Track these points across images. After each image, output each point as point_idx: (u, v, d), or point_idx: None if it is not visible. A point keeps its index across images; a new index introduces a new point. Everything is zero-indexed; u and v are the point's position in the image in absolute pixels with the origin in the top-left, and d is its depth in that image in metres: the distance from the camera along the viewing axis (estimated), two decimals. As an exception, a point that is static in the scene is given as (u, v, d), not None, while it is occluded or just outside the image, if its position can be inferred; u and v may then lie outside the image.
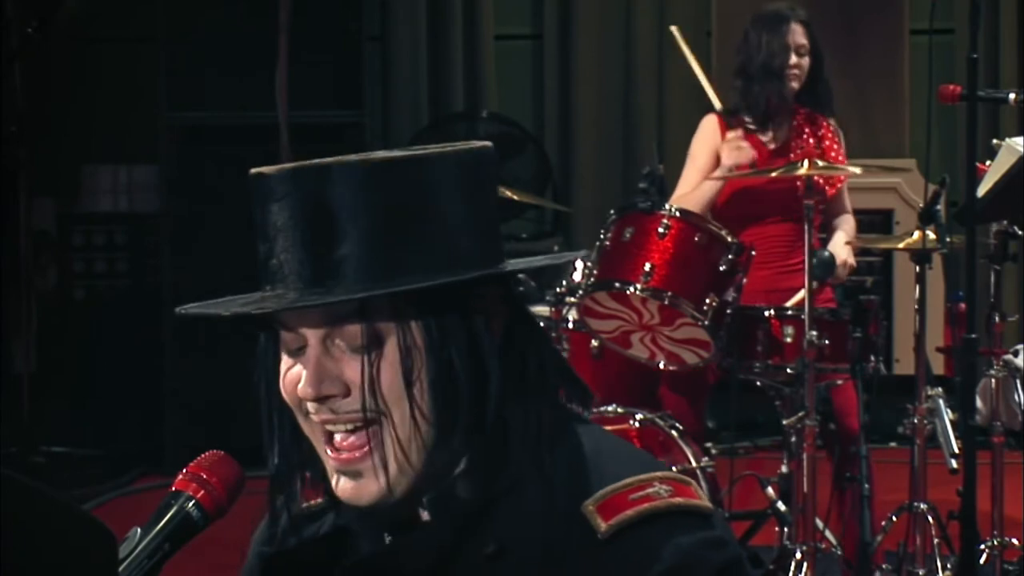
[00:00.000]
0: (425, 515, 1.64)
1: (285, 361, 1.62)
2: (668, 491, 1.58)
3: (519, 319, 1.65)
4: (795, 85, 4.95)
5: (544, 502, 1.59)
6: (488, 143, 1.66)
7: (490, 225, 1.63)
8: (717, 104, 5.00)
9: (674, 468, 4.41)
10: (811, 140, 4.94)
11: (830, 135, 4.95)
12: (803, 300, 4.41)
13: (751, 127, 4.96)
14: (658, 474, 1.60)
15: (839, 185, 5.02)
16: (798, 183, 4.68)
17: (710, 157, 4.94)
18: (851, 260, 4.91)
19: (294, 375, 1.60)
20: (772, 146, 4.96)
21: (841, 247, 4.90)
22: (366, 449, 1.58)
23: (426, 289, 1.55)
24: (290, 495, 1.69)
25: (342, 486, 1.61)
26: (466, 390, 1.58)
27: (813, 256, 4.38)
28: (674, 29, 5.25)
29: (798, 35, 4.95)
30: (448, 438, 1.59)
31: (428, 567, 1.61)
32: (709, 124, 5.01)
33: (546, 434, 1.62)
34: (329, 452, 1.60)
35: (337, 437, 1.60)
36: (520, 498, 1.60)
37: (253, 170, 1.60)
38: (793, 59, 4.93)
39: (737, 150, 4.83)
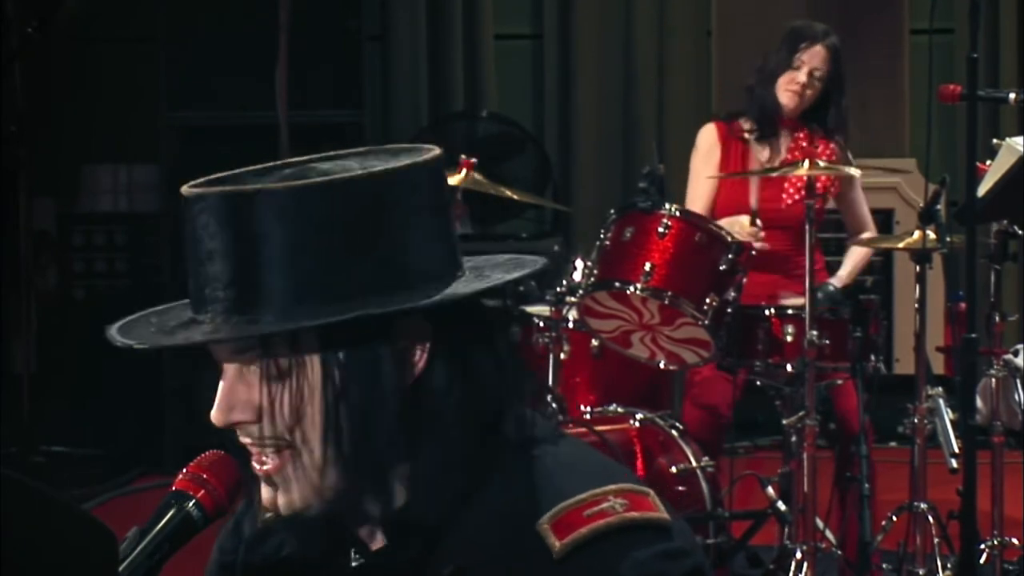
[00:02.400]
0: (379, 539, 1.64)
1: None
2: (623, 504, 1.56)
3: (446, 348, 1.59)
4: (792, 103, 4.91)
5: (500, 521, 1.58)
6: (436, 149, 1.61)
7: (429, 244, 1.59)
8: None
9: (674, 468, 4.42)
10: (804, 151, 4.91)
11: (828, 152, 4.92)
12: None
13: (747, 136, 4.96)
14: (613, 487, 1.58)
15: (832, 190, 5.01)
16: (786, 199, 4.74)
17: (713, 170, 4.94)
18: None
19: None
20: (766, 164, 4.96)
21: (842, 278, 4.95)
22: (279, 464, 1.59)
23: (326, 326, 1.53)
24: (250, 503, 1.68)
25: (263, 494, 1.61)
26: (359, 432, 1.56)
27: (817, 291, 4.39)
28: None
29: (817, 58, 4.90)
30: (355, 474, 1.57)
31: None
32: (708, 136, 5.00)
33: (496, 454, 1.61)
34: (253, 461, 1.61)
35: (255, 451, 1.60)
36: (477, 518, 1.59)
37: (183, 188, 1.61)
38: (802, 77, 4.89)
39: (750, 235, 4.78)
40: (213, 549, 1.79)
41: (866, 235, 5.12)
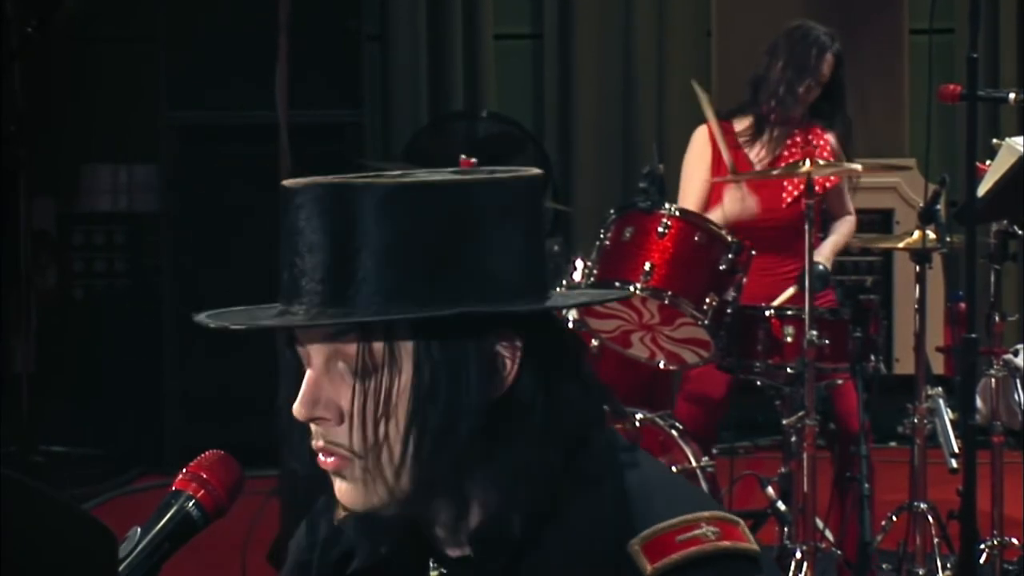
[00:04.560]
0: (466, 550, 1.63)
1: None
2: (716, 533, 1.56)
3: (536, 361, 1.60)
4: (803, 108, 4.93)
5: (589, 538, 1.57)
6: (538, 170, 1.63)
7: (521, 259, 1.58)
8: (728, 158, 4.91)
9: (674, 468, 4.42)
10: (802, 152, 4.92)
11: (822, 144, 4.93)
12: (790, 298, 4.45)
13: (742, 138, 4.96)
14: (706, 514, 1.58)
15: (828, 185, 5.00)
16: (785, 196, 4.74)
17: (706, 171, 4.94)
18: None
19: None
20: (759, 165, 4.95)
21: (824, 255, 4.94)
22: (344, 462, 1.58)
23: (423, 322, 1.53)
24: (317, 503, 1.68)
25: (336, 487, 1.60)
26: (439, 437, 1.55)
27: (811, 270, 4.39)
28: (696, 88, 5.10)
29: (826, 65, 4.92)
30: (432, 479, 1.56)
31: None
32: (700, 137, 5.00)
33: (584, 470, 1.60)
34: (320, 456, 1.60)
35: (321, 446, 1.59)
36: (564, 534, 1.58)
37: (284, 182, 1.58)
38: (812, 85, 4.91)
39: (740, 203, 4.80)
40: (289, 548, 1.79)
41: (847, 218, 5.12)
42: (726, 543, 1.56)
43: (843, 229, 5.12)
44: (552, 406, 1.60)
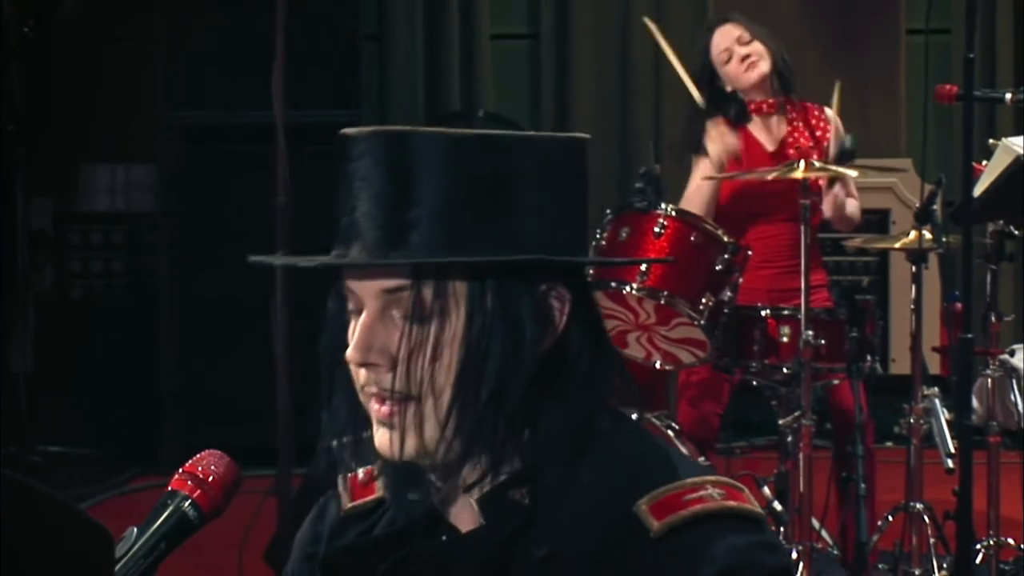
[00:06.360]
0: (476, 518, 1.64)
1: (351, 325, 1.62)
2: (721, 494, 1.58)
3: (583, 316, 1.64)
4: (763, 69, 4.92)
5: (596, 504, 1.59)
6: (583, 135, 1.67)
7: (568, 217, 1.63)
8: (696, 94, 4.97)
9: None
10: (806, 132, 4.94)
11: (822, 126, 4.96)
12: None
13: (751, 127, 4.98)
14: (711, 478, 1.60)
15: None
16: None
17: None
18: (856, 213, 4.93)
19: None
20: (770, 148, 4.96)
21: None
22: (398, 409, 1.59)
23: (479, 271, 1.56)
24: (338, 467, 1.69)
25: (379, 438, 1.61)
26: (493, 384, 1.57)
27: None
28: (648, 21, 5.22)
29: (730, 33, 4.94)
30: (480, 426, 1.58)
31: (479, 569, 1.61)
32: (711, 130, 5.01)
33: (594, 435, 1.62)
34: (373, 404, 1.61)
35: (374, 394, 1.60)
36: (571, 498, 1.59)
37: (344, 130, 1.62)
38: (741, 51, 4.92)
39: (720, 139, 4.83)
40: (293, 547, 1.79)
41: (854, 201, 5.13)
42: (731, 503, 1.58)
43: (852, 203, 5.10)
44: (595, 362, 1.63)
